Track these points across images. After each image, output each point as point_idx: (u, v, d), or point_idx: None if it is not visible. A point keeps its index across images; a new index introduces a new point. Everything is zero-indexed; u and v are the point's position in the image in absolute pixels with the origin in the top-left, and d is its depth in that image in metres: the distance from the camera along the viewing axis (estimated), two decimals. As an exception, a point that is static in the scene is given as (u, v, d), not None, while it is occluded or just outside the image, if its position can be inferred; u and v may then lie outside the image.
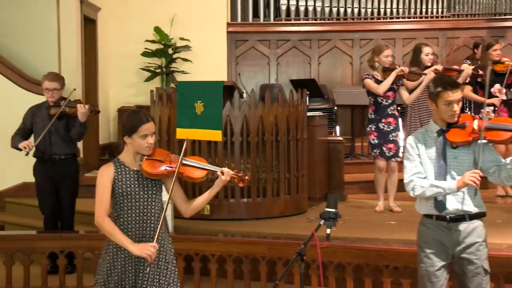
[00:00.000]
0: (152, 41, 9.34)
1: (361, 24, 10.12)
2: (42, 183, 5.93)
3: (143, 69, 9.40)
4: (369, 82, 6.51)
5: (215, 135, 6.18)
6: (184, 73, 9.33)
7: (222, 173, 3.52)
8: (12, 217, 6.87)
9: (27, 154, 5.69)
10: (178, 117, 6.25)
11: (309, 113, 7.04)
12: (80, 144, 8.14)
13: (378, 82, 6.47)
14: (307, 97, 7.13)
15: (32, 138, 5.85)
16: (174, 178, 3.44)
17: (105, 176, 3.44)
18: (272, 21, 10.17)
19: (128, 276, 3.45)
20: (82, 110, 5.72)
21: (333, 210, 3.50)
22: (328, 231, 3.46)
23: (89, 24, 8.79)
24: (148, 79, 9.33)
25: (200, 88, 6.32)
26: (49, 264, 5.55)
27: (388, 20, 10.17)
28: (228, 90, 6.28)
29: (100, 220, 3.39)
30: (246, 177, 3.63)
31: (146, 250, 3.33)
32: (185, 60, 9.40)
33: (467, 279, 3.75)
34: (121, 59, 9.71)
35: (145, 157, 3.46)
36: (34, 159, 5.89)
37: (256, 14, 10.18)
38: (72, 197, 5.97)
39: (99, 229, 3.48)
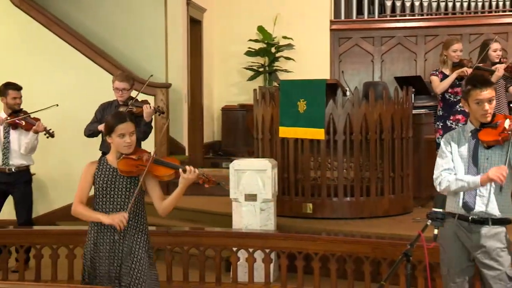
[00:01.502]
0: (255, 40, 9.42)
1: (471, 18, 9.72)
2: None
3: (246, 68, 9.50)
4: (433, 79, 6.27)
5: (318, 134, 6.20)
6: (287, 72, 9.35)
7: (184, 171, 3.60)
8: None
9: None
10: (281, 116, 6.31)
11: (414, 111, 6.87)
12: (185, 143, 8.41)
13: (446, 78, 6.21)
14: (413, 95, 6.94)
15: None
16: (143, 175, 3.61)
17: (86, 170, 3.74)
18: (376, 17, 10.00)
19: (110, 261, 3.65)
20: (147, 110, 5.83)
21: (441, 210, 3.42)
22: (436, 231, 3.38)
23: (195, 25, 8.99)
24: (251, 78, 9.43)
25: (303, 87, 6.34)
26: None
27: (501, 13, 9.72)
28: (331, 88, 6.23)
29: (74, 206, 3.71)
30: (213, 179, 3.71)
31: (116, 218, 3.55)
32: (288, 58, 9.42)
33: (487, 284, 3.65)
34: (225, 58, 9.87)
35: (123, 155, 3.65)
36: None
37: (360, 11, 10.04)
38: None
39: (75, 215, 3.74)
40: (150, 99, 6.82)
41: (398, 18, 9.94)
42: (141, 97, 6.44)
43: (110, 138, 3.67)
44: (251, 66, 9.50)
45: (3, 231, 5.65)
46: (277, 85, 7.14)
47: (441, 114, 6.31)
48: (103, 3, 8.48)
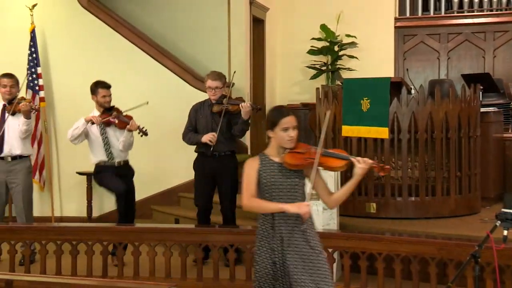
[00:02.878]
0: (318, 39, 9.37)
1: (544, 13, 9.40)
2: (201, 178, 6.12)
3: (309, 67, 9.47)
4: None
5: (382, 132, 6.12)
6: (350, 70, 9.26)
7: (359, 161, 3.50)
8: (186, 211, 7.20)
9: (212, 148, 5.88)
10: (344, 115, 6.26)
11: (482, 109, 6.69)
12: (248, 142, 8.44)
13: None
14: (481, 92, 6.77)
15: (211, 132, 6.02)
16: (315, 167, 3.51)
17: (250, 167, 3.61)
18: (443, 14, 9.79)
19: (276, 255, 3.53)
20: (246, 109, 5.84)
21: (511, 211, 3.30)
22: (505, 233, 3.27)
23: (257, 24, 9.02)
24: (313, 77, 9.38)
25: (366, 85, 6.27)
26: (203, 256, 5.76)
27: None
28: (395, 86, 6.14)
29: (246, 201, 3.57)
30: (387, 166, 3.60)
31: (302, 207, 3.44)
32: (351, 57, 9.33)
33: None
34: (287, 57, 9.86)
35: (287, 150, 3.57)
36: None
37: (426, 8, 9.85)
38: (231, 194, 6.08)
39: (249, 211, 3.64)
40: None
41: (466, 14, 9.70)
42: (202, 96, 6.52)
43: (273, 133, 3.58)
44: (314, 64, 9.45)
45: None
46: (340, 84, 7.09)
47: None
48: (168, 4, 8.61)
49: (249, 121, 6.01)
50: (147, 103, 6.42)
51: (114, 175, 6.21)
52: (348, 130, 6.17)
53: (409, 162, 6.11)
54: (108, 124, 6.22)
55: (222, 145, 5.99)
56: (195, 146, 6.17)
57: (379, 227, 5.74)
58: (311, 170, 3.54)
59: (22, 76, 6.85)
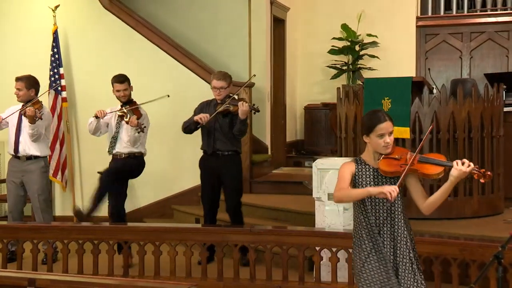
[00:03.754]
0: (339, 39, 9.34)
1: None
2: (205, 176, 6.15)
3: (330, 67, 9.44)
4: None
5: (403, 132, 6.08)
6: (371, 70, 9.22)
7: (458, 163, 3.40)
8: (206, 210, 7.21)
9: (200, 125, 5.92)
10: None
11: (506, 109, 6.61)
12: (268, 142, 8.44)
13: None
14: (504, 92, 6.69)
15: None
16: (403, 174, 3.43)
17: (346, 168, 3.56)
18: (465, 12, 9.69)
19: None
20: (242, 108, 5.85)
21: (534, 211, 3.25)
22: (529, 234, 3.22)
23: (278, 24, 9.01)
24: (334, 77, 9.36)
25: (387, 85, 6.24)
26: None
27: None
28: (417, 86, 6.09)
29: (336, 192, 3.53)
30: (489, 172, 3.45)
31: (385, 188, 3.36)
32: (372, 56, 9.29)
33: None
34: (308, 57, 9.85)
35: (383, 155, 3.51)
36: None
37: (448, 7, 9.77)
38: (235, 194, 6.07)
39: (339, 201, 3.62)
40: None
41: (489, 12, 9.60)
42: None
43: (368, 138, 3.52)
44: (335, 64, 9.42)
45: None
46: (361, 83, 7.05)
47: None
48: (188, 4, 8.65)
49: (247, 121, 6.01)
50: (168, 96, 6.42)
51: (117, 173, 6.24)
52: (369, 130, 6.12)
53: (431, 162, 6.05)
54: (122, 117, 6.29)
55: (224, 144, 6.02)
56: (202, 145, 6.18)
57: (401, 227, 5.69)
58: (410, 177, 3.50)
59: (44, 77, 6.92)
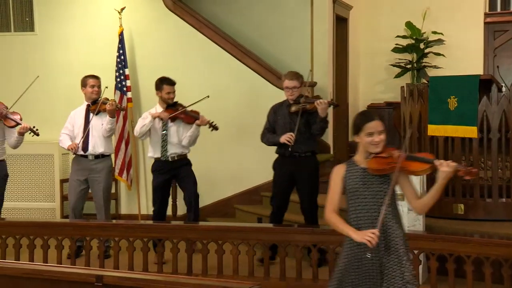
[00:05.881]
0: (403, 37, 9.19)
1: None
2: (280, 179, 6.09)
3: (393, 65, 9.30)
4: None
5: (470, 132, 5.93)
6: (436, 68, 9.03)
7: (441, 164, 3.40)
8: (268, 210, 7.19)
9: (291, 148, 5.85)
10: (430, 113, 6.11)
11: None
12: (330, 141, 8.38)
13: None
14: None
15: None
16: (396, 172, 3.45)
17: (336, 174, 3.59)
18: (537, 8, 9.39)
19: (367, 275, 3.49)
20: (321, 106, 5.75)
21: None
22: None
23: (340, 23, 8.94)
24: (398, 75, 9.21)
25: (454, 83, 6.10)
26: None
27: None
28: (485, 84, 5.93)
29: (326, 214, 3.59)
30: (474, 169, 3.47)
31: (365, 236, 3.38)
32: (437, 54, 9.09)
33: None
34: (371, 55, 9.73)
35: (372, 154, 3.52)
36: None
37: (518, 2, 9.48)
38: (312, 194, 6.02)
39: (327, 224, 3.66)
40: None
41: None
42: (285, 95, 6.49)
43: (358, 137, 3.55)
44: (398, 63, 9.28)
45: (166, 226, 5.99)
46: (426, 82, 6.92)
47: None
48: (250, 4, 8.67)
49: (327, 118, 5.92)
50: (208, 96, 6.43)
51: (166, 179, 6.40)
52: (434, 130, 6.03)
53: (499, 162, 5.89)
54: (173, 119, 6.32)
55: (301, 145, 5.93)
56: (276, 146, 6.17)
57: (467, 229, 5.57)
58: (400, 176, 3.50)
59: (109, 78, 7.07)
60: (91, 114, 6.50)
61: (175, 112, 6.33)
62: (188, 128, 6.37)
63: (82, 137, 6.46)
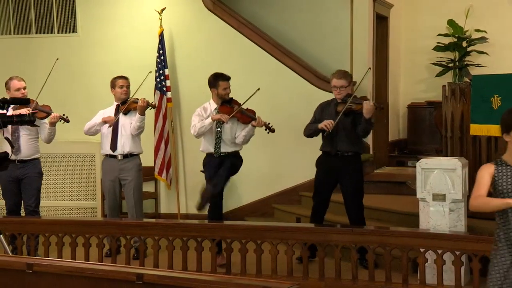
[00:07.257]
0: (445, 35, 9.05)
1: None
2: (321, 175, 6.09)
3: (435, 64, 9.17)
4: None
5: (515, 131, 5.81)
6: (479, 66, 8.87)
7: None
8: (307, 210, 7.17)
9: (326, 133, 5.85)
10: (473, 113, 6.00)
11: None
12: (370, 141, 8.31)
13: None
14: None
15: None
16: None
17: (484, 170, 3.45)
18: None
19: None
20: (367, 107, 5.72)
21: None
22: None
23: (381, 22, 8.86)
24: (439, 74, 9.08)
25: (497, 82, 5.98)
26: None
27: None
28: (530, 82, 5.80)
29: (472, 200, 3.42)
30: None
31: None
32: (480, 52, 8.93)
33: None
34: (411, 54, 9.62)
35: None
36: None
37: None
38: (356, 194, 5.99)
39: (475, 209, 3.48)
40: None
41: None
42: (324, 95, 6.48)
43: (508, 136, 3.39)
44: (440, 61, 9.14)
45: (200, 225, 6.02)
46: (468, 81, 6.80)
47: None
48: (290, 4, 8.65)
49: (372, 120, 5.90)
50: (258, 89, 6.36)
51: (218, 169, 6.22)
52: (477, 129, 5.92)
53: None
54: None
55: (346, 145, 5.93)
56: (319, 145, 6.15)
57: (511, 230, 5.44)
58: None
59: (149, 78, 7.12)
60: (120, 114, 6.56)
61: (232, 111, 6.21)
62: (242, 127, 6.28)
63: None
